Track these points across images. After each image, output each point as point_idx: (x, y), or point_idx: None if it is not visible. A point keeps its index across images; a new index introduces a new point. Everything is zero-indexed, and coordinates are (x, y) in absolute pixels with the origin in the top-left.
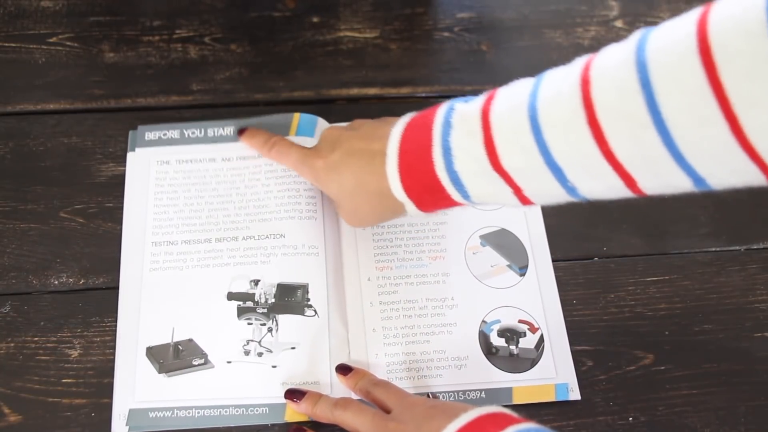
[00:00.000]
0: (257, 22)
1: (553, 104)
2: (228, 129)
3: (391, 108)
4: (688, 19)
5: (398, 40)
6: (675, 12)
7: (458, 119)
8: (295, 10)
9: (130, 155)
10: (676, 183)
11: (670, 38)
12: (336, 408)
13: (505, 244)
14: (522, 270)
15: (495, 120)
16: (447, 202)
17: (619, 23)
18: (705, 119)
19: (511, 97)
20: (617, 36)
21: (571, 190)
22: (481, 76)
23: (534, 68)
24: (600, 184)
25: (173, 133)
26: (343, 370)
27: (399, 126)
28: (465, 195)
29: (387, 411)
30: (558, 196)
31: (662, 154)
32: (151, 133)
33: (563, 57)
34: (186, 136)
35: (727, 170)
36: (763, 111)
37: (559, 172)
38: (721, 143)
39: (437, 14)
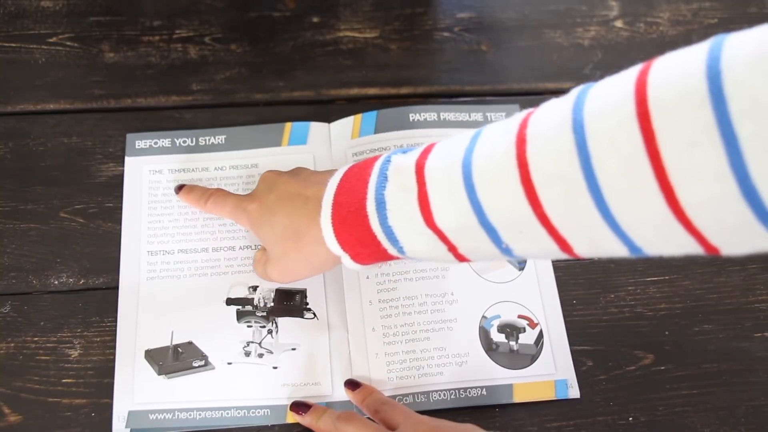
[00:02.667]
0: (257, 22)
1: (488, 162)
2: (219, 138)
3: (392, 108)
4: (628, 79)
5: (398, 40)
6: (675, 12)
7: (394, 172)
8: (295, 10)
9: (127, 160)
10: (612, 250)
11: (609, 99)
12: (339, 421)
13: None
14: (521, 264)
15: (429, 175)
16: (383, 256)
17: (619, 23)
18: (640, 188)
19: (446, 153)
20: (617, 36)
21: (506, 251)
22: (481, 76)
23: (534, 68)
24: (535, 247)
25: (164, 141)
26: (351, 385)
27: (337, 175)
28: (400, 250)
29: (392, 429)
30: (493, 255)
31: (597, 221)
32: (142, 142)
33: (563, 57)
34: (177, 145)
35: (664, 241)
36: (700, 184)
37: (494, 233)
38: (657, 213)
39: (437, 14)
